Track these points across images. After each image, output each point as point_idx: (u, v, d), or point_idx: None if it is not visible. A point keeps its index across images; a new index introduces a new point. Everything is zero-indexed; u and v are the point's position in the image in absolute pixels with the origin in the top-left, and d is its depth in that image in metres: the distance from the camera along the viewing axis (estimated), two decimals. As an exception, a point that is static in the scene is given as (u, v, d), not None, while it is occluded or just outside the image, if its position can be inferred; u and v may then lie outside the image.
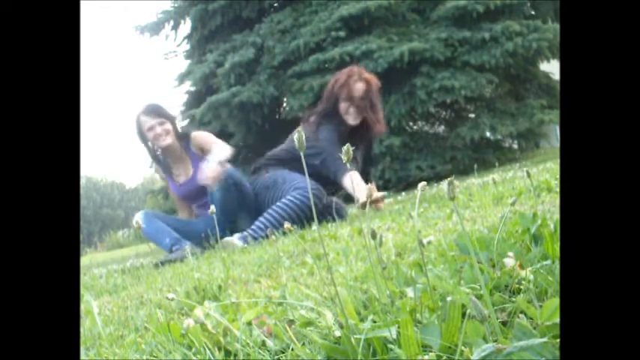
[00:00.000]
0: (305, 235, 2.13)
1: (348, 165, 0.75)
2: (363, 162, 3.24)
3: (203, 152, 3.07)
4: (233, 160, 3.17)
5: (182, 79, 8.89)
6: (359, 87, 3.01)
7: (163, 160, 3.17)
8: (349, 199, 3.27)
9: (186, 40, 9.09)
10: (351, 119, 3.04)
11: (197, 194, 3.11)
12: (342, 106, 3.02)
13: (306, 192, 2.79)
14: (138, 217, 2.96)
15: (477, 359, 0.51)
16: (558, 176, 1.91)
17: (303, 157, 0.70)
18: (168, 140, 3.07)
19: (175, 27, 8.88)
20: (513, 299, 0.69)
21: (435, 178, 5.82)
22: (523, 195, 1.76)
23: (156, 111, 3.11)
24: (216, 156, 2.88)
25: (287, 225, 0.91)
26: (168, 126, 3.07)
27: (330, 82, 3.16)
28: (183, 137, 3.12)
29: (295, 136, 0.68)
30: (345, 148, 0.70)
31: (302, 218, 2.82)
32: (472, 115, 7.25)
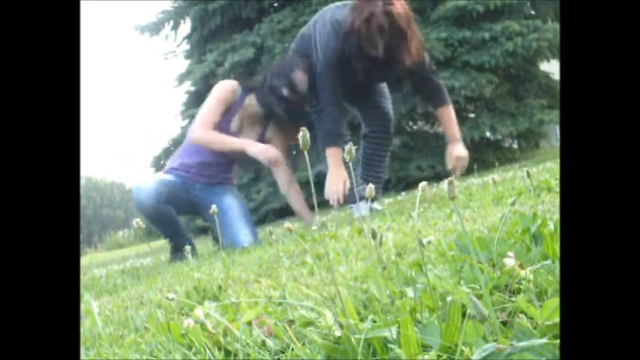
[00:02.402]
0: (305, 235, 2.13)
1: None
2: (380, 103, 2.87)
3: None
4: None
5: (182, 79, 8.88)
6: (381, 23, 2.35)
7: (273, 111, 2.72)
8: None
9: (186, 40, 9.09)
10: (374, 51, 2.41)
11: (229, 159, 2.83)
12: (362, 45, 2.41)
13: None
14: (145, 184, 2.62)
15: (477, 359, 0.51)
16: (558, 176, 1.91)
17: (306, 155, 0.69)
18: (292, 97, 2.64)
19: (175, 27, 8.88)
20: (513, 299, 0.69)
21: (435, 178, 5.82)
22: (523, 195, 1.76)
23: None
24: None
25: (287, 225, 0.91)
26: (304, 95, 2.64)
27: (349, 16, 2.47)
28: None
29: (300, 134, 0.68)
30: (347, 147, 0.70)
31: None
32: (472, 115, 7.25)
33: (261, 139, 2.84)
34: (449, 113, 2.75)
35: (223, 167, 2.88)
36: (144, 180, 2.73)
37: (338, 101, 2.60)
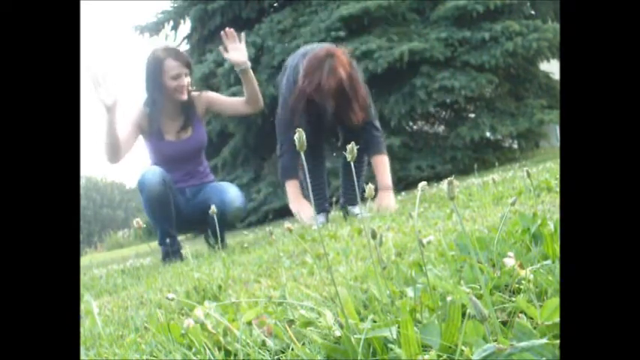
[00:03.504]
0: (305, 235, 2.13)
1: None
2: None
3: (207, 111, 3.02)
4: (233, 162, 3.08)
5: (182, 79, 8.88)
6: (331, 84, 2.58)
7: (160, 113, 2.86)
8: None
9: (186, 40, 9.09)
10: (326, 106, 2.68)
11: (192, 155, 2.94)
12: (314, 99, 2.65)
13: None
14: (149, 176, 2.64)
15: (477, 359, 0.51)
16: (558, 176, 1.91)
17: (304, 155, 0.70)
18: (186, 96, 2.81)
19: (175, 27, 8.87)
20: (513, 299, 0.69)
21: (435, 178, 5.82)
22: (523, 195, 1.76)
23: (186, 60, 2.82)
24: None
25: (287, 225, 0.91)
26: (189, 79, 2.83)
27: (302, 68, 2.68)
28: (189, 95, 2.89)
29: (296, 136, 0.68)
30: (349, 147, 0.70)
31: None
32: (472, 115, 7.24)
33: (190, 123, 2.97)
34: (383, 162, 2.88)
35: (201, 169, 3.02)
36: (150, 166, 2.83)
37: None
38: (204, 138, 3.03)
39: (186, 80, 2.82)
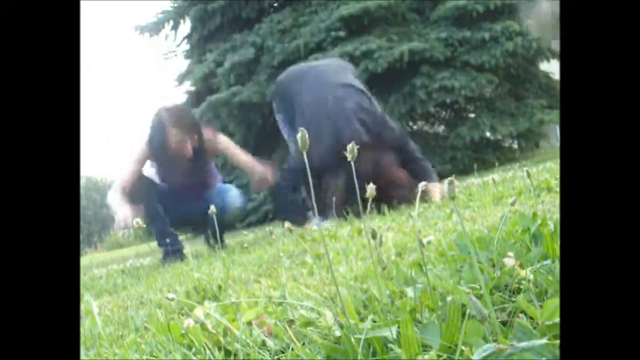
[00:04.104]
0: (305, 235, 2.13)
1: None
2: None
3: (215, 154, 3.06)
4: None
5: (182, 79, 8.89)
6: None
7: (164, 167, 2.93)
8: None
9: (185, 40, 9.09)
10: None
11: (199, 179, 3.00)
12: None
13: None
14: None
15: (477, 359, 0.51)
16: (558, 176, 1.91)
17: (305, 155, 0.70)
18: (191, 150, 2.79)
19: (175, 27, 8.87)
20: (513, 299, 0.69)
21: (435, 177, 5.81)
22: (523, 195, 1.76)
23: (189, 125, 2.80)
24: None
25: (287, 225, 0.91)
26: (195, 137, 2.81)
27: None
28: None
29: (299, 135, 0.68)
30: (349, 146, 0.71)
31: None
32: (472, 115, 7.23)
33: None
34: (434, 187, 2.87)
35: (208, 176, 3.09)
36: None
37: (305, 182, 2.80)
38: (211, 169, 3.10)
39: (191, 143, 2.78)
